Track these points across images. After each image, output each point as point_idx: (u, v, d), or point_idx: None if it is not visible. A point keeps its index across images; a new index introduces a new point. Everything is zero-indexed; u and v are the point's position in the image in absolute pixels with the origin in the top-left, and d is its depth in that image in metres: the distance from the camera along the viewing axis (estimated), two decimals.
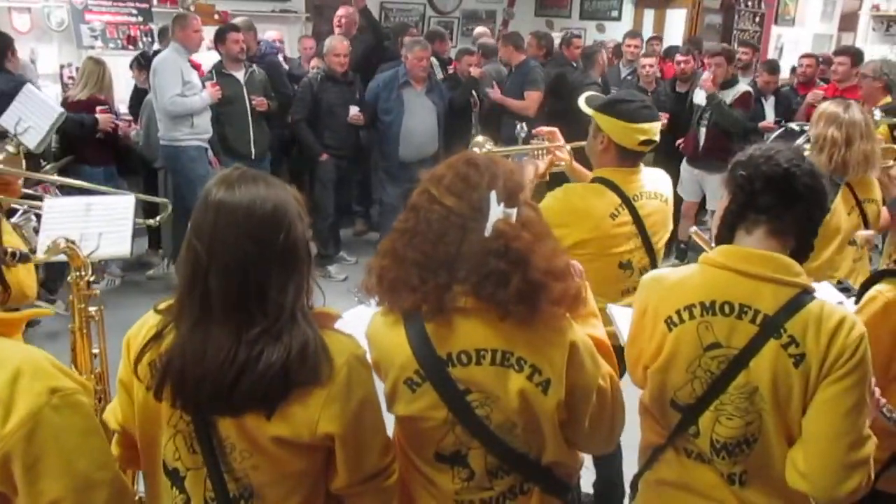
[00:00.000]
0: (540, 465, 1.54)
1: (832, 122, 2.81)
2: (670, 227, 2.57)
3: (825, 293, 2.10)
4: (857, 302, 1.94)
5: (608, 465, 2.67)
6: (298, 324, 1.31)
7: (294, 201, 1.36)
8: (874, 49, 7.41)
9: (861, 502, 1.73)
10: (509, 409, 1.44)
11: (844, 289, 2.20)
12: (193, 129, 5.04)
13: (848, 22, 9.47)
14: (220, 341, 1.28)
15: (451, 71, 6.47)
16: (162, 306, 1.40)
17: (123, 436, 1.48)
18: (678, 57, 6.19)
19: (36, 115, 3.52)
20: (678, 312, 1.60)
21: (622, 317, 2.00)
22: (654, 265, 2.47)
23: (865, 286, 1.93)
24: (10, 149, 2.30)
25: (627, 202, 2.39)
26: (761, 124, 5.85)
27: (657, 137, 2.40)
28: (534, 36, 6.46)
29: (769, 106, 6.03)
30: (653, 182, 2.49)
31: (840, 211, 2.84)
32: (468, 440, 1.48)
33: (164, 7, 7.25)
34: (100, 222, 2.15)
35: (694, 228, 2.37)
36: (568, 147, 2.74)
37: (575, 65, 6.57)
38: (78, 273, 1.81)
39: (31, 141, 3.03)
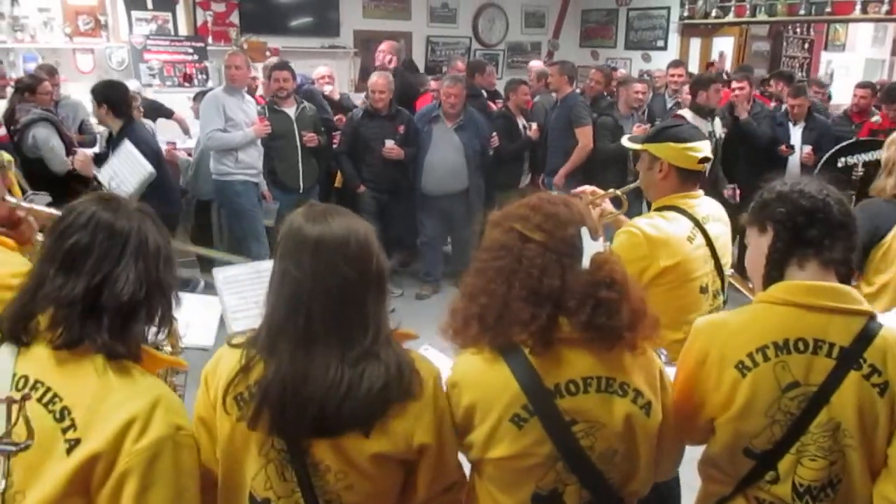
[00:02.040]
0: (621, 499, 1.54)
1: None
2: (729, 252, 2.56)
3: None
4: None
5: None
6: (390, 343, 1.42)
7: (373, 231, 1.46)
8: None
9: None
10: (613, 435, 1.47)
11: None
12: (238, 163, 5.19)
13: None
14: (326, 362, 1.35)
15: (500, 106, 6.52)
16: (236, 340, 1.46)
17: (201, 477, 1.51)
18: (734, 84, 6.12)
19: (129, 171, 3.69)
20: (750, 356, 1.55)
21: None
22: (722, 288, 2.47)
23: None
24: None
25: (699, 225, 2.39)
26: (780, 148, 5.73)
27: (711, 155, 2.46)
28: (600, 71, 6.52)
29: (796, 131, 5.80)
30: (711, 206, 2.51)
31: None
32: (567, 476, 1.48)
33: (219, 45, 7.52)
34: (189, 313, 2.23)
35: (731, 271, 2.37)
36: (619, 192, 2.70)
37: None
38: (173, 349, 1.88)
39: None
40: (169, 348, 1.85)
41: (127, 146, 3.67)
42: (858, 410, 1.50)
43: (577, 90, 6.50)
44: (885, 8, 7.76)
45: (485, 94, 6.73)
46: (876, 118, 5.73)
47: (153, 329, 1.42)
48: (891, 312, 2.11)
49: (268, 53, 7.50)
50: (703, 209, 2.45)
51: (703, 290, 2.43)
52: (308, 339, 1.36)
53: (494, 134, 5.93)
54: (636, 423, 1.47)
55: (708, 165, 2.51)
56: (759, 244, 1.65)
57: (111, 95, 4.55)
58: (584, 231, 1.45)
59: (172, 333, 1.85)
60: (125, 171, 3.78)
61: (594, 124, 5.94)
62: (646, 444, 1.50)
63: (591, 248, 1.45)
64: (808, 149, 5.64)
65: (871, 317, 1.55)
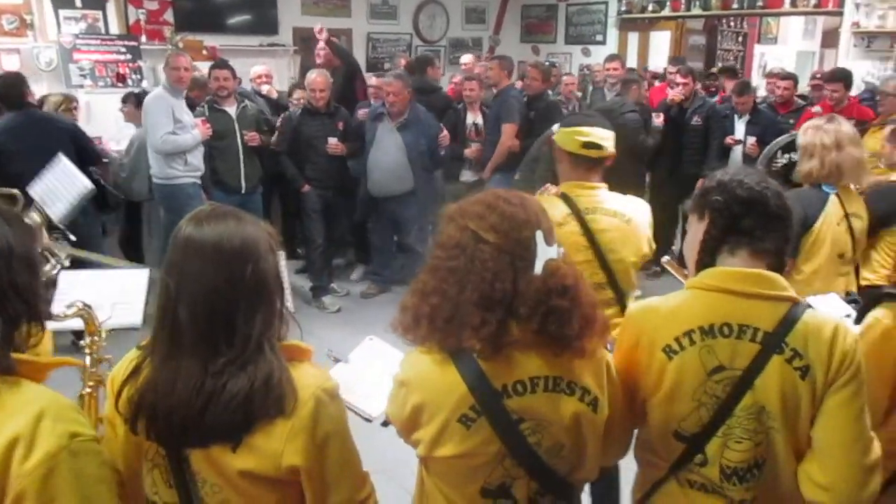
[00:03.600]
0: (570, 485, 1.58)
1: (820, 130, 2.87)
2: (640, 249, 2.50)
3: (832, 302, 2.12)
4: (857, 322, 1.92)
5: (605, 491, 2.64)
6: (265, 355, 1.33)
7: (266, 236, 1.39)
8: (856, 65, 7.46)
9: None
10: (561, 431, 1.49)
11: (852, 300, 2.21)
12: (187, 166, 5.08)
13: (830, 39, 9.61)
14: (190, 373, 1.31)
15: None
16: (143, 343, 1.43)
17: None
18: (678, 79, 6.24)
19: (65, 187, 3.54)
20: (677, 340, 1.58)
21: None
22: (613, 284, 2.45)
23: (863, 310, 1.92)
24: (36, 217, 2.32)
25: (577, 214, 2.41)
26: (727, 139, 6.04)
27: (605, 144, 2.44)
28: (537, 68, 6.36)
29: (741, 124, 6.08)
30: (617, 202, 2.49)
31: (830, 222, 2.85)
32: (515, 471, 1.49)
33: (153, 44, 7.32)
34: (113, 293, 2.19)
35: (666, 258, 2.38)
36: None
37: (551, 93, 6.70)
38: (91, 338, 1.83)
39: (56, 213, 3.06)
40: (88, 339, 1.81)
41: (63, 161, 3.52)
42: (781, 394, 1.52)
43: (517, 85, 6.55)
44: (813, 1, 8.03)
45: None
46: (816, 108, 5.87)
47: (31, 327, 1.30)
48: (826, 296, 2.17)
49: (205, 52, 7.35)
50: (591, 200, 2.46)
51: None
52: (177, 346, 1.33)
53: (444, 132, 5.75)
54: (584, 420, 1.49)
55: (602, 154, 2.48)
56: (697, 231, 1.68)
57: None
58: (539, 234, 1.43)
59: (90, 321, 1.79)
60: (60, 187, 3.64)
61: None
62: (593, 437, 1.53)
63: (546, 252, 1.43)
64: (752, 140, 5.84)
65: (795, 303, 1.58)
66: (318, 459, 1.36)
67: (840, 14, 7.84)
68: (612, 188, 2.52)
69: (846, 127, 2.91)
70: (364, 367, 1.89)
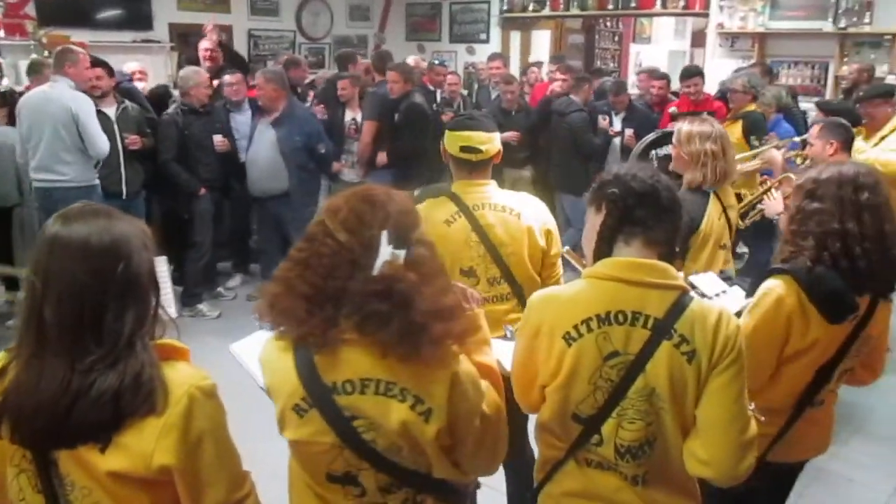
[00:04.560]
0: (432, 479, 1.56)
1: (707, 139, 2.96)
2: (534, 242, 2.53)
3: (709, 281, 2.29)
4: (748, 296, 2.10)
5: (518, 474, 2.68)
6: (136, 353, 1.31)
7: (140, 233, 1.37)
8: (722, 63, 7.93)
9: (753, 474, 1.85)
10: (392, 435, 1.47)
11: (727, 278, 2.41)
12: (96, 169, 4.94)
13: (699, 39, 10.12)
14: (55, 372, 1.28)
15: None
16: (13, 345, 1.37)
17: None
18: (559, 75, 6.42)
19: None
20: (576, 327, 1.64)
21: (498, 348, 2.01)
22: (508, 278, 2.50)
23: (756, 283, 2.10)
24: None
25: (465, 210, 2.47)
26: (602, 124, 6.26)
27: (484, 147, 2.49)
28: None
29: (618, 121, 6.39)
30: (505, 197, 2.54)
31: (713, 220, 3.02)
32: (357, 462, 1.51)
33: (14, 39, 6.85)
34: None
35: (566, 248, 2.45)
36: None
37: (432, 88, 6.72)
38: None
39: None
40: None
41: None
42: (670, 376, 1.60)
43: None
44: (682, 3, 8.46)
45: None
46: (672, 109, 6.19)
47: None
48: (704, 274, 2.32)
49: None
50: (479, 197, 2.51)
51: (467, 272, 2.49)
52: (41, 346, 1.30)
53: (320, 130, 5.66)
54: (413, 428, 1.46)
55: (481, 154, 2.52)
56: (595, 222, 1.75)
57: None
58: (384, 235, 1.42)
59: None
60: None
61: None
62: (429, 446, 1.49)
63: (386, 254, 1.41)
64: (630, 131, 6.19)
65: (684, 291, 1.67)
66: (192, 459, 1.34)
67: (706, 15, 8.30)
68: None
69: (720, 127, 3.08)
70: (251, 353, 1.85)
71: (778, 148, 4.37)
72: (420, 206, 2.50)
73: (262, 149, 5.43)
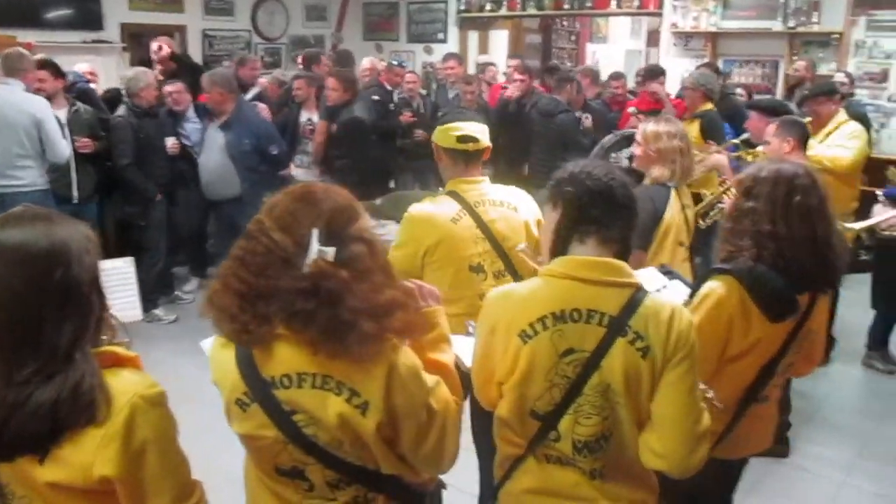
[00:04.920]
0: (382, 476, 1.56)
1: (674, 136, 3.04)
2: (531, 234, 2.59)
3: (650, 276, 2.29)
4: (691, 297, 2.10)
5: (490, 475, 2.65)
6: (75, 364, 1.26)
7: (82, 238, 1.33)
8: (676, 62, 8.06)
9: (702, 471, 1.88)
10: (332, 429, 1.47)
11: (667, 272, 2.40)
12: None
13: (654, 38, 10.26)
14: None
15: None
16: None
17: None
18: (517, 75, 6.43)
19: None
20: (531, 325, 1.65)
21: (460, 345, 2.02)
22: (511, 270, 2.56)
23: (699, 283, 2.11)
24: None
25: (468, 208, 2.54)
26: (586, 124, 6.22)
27: (480, 137, 2.57)
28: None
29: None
30: (500, 193, 2.63)
31: (674, 214, 3.07)
32: (303, 457, 1.51)
33: None
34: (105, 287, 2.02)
35: (522, 245, 2.46)
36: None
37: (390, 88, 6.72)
38: None
39: None
40: None
41: None
42: (625, 372, 1.63)
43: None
44: (636, 3, 8.57)
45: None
46: (632, 108, 6.25)
47: None
48: (646, 270, 2.34)
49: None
50: (478, 194, 2.58)
51: (475, 269, 2.56)
52: None
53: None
54: (351, 421, 1.45)
55: (477, 147, 2.59)
56: (550, 220, 1.77)
57: None
58: (315, 233, 1.41)
59: None
60: None
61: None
62: (373, 440, 1.48)
63: (315, 252, 1.40)
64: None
65: (638, 288, 1.69)
66: (134, 469, 1.30)
67: (660, 15, 8.43)
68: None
69: (682, 125, 3.16)
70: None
71: (719, 152, 4.44)
72: (418, 208, 2.57)
73: (212, 153, 5.36)
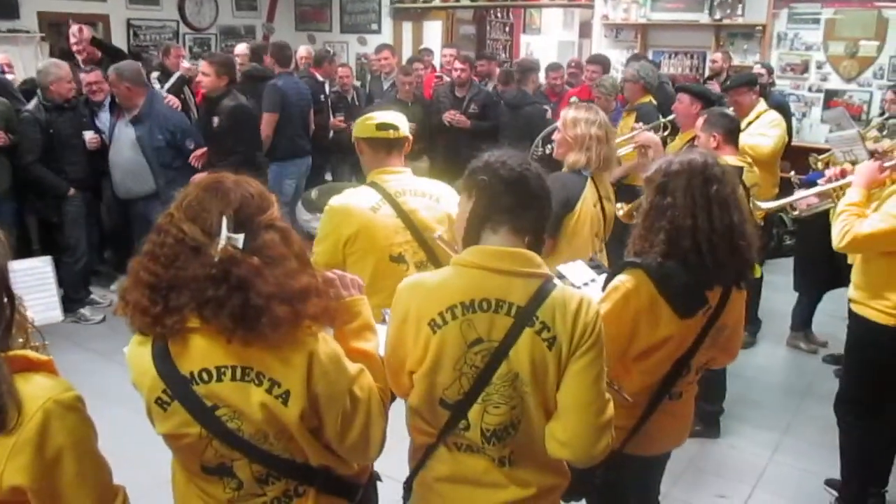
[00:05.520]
0: (311, 468, 1.56)
1: (592, 124, 3.04)
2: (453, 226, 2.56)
3: (578, 270, 2.30)
4: (603, 289, 2.10)
5: None
6: None
7: None
8: (607, 53, 8.15)
9: (612, 468, 1.89)
10: (256, 420, 1.45)
11: (596, 266, 2.41)
12: None
13: (586, 29, 10.38)
14: None
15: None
16: None
17: None
18: (456, 64, 6.42)
19: None
20: (441, 314, 1.65)
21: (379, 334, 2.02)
22: (434, 261, 2.54)
23: (610, 276, 2.11)
24: None
25: (388, 197, 2.52)
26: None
27: (399, 125, 2.57)
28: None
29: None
30: (424, 184, 2.63)
31: (588, 204, 3.06)
32: (229, 452, 1.50)
33: None
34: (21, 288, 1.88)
35: (438, 234, 2.44)
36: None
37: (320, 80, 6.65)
38: None
39: None
40: None
41: None
42: (531, 362, 1.64)
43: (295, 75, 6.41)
44: None
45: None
46: (573, 98, 6.30)
47: None
48: (573, 262, 2.35)
49: None
50: (399, 184, 2.57)
51: (396, 259, 2.54)
52: None
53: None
54: (274, 412, 1.44)
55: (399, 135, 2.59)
56: (465, 209, 1.76)
57: None
58: (225, 220, 1.39)
59: None
60: None
61: None
62: (296, 430, 1.48)
63: (224, 239, 1.38)
64: None
65: (547, 279, 1.70)
66: (48, 477, 1.25)
67: (591, 7, 8.54)
68: None
69: (603, 115, 3.15)
70: None
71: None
72: (339, 199, 2.56)
73: (122, 149, 5.15)
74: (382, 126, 2.53)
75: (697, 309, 2.02)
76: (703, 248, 1.97)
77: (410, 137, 2.63)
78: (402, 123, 2.58)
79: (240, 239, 1.39)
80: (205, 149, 5.21)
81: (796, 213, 3.37)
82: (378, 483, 1.98)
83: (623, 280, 2.03)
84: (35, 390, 1.26)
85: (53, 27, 7.64)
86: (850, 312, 2.93)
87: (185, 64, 6.24)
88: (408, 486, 1.89)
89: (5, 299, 1.27)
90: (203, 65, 5.26)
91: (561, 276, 2.11)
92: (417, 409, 1.76)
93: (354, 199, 2.53)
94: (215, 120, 5.14)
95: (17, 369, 1.26)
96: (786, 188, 4.78)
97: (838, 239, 2.68)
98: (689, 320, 2.02)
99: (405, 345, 1.71)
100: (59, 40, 7.38)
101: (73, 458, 1.28)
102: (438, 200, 2.60)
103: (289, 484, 1.56)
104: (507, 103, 6.20)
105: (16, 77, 5.96)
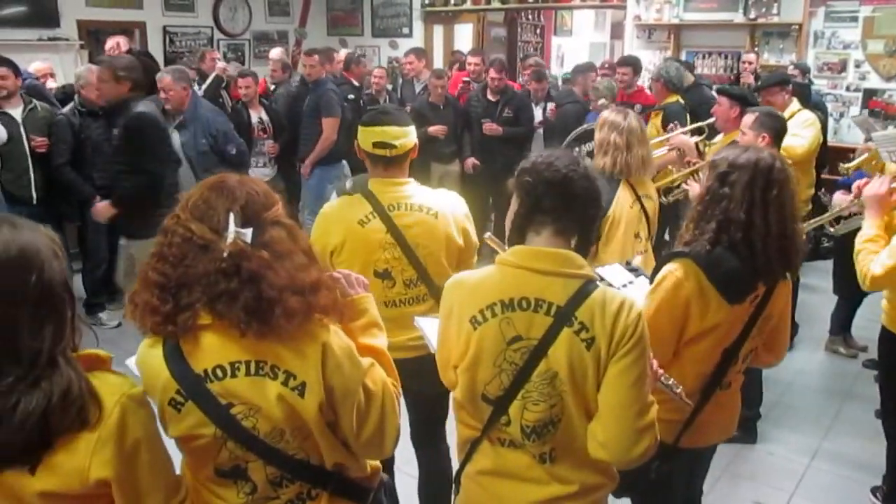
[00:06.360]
0: (325, 471, 1.57)
1: (614, 129, 3.10)
2: (451, 241, 2.49)
3: (616, 272, 2.30)
4: (651, 282, 2.11)
5: (431, 463, 2.63)
6: (60, 368, 1.24)
7: (48, 241, 1.30)
8: (639, 55, 8.09)
9: (665, 459, 1.93)
10: (273, 416, 1.46)
11: (633, 269, 2.40)
12: None
13: (618, 31, 10.34)
14: None
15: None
16: None
17: None
18: (492, 73, 6.34)
19: None
20: (481, 311, 1.69)
21: (428, 326, 2.10)
22: (425, 279, 2.46)
23: (658, 267, 2.12)
24: None
25: (381, 211, 2.41)
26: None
27: (396, 142, 2.40)
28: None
29: (538, 111, 6.49)
30: (424, 196, 2.48)
31: (623, 202, 3.07)
32: (243, 454, 1.51)
33: None
34: None
35: (488, 234, 2.43)
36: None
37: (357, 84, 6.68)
38: None
39: None
40: None
41: None
42: (569, 362, 1.65)
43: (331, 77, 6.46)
44: None
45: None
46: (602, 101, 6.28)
47: None
48: (611, 266, 2.35)
49: None
50: (395, 196, 2.45)
51: (381, 275, 2.43)
52: None
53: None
54: (293, 404, 1.46)
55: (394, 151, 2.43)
56: (512, 210, 1.79)
57: None
58: (232, 216, 1.41)
59: None
60: None
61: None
62: (313, 424, 1.49)
63: (234, 234, 1.40)
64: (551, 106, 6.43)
65: (589, 280, 1.70)
66: (129, 469, 1.31)
67: (624, 8, 8.48)
68: None
69: (635, 124, 3.15)
70: None
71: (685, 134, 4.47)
72: (331, 206, 2.52)
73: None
74: (379, 145, 2.40)
75: (746, 294, 2.02)
76: (757, 246, 1.96)
77: (415, 146, 2.49)
78: (401, 139, 2.41)
79: (248, 233, 1.41)
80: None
81: (833, 230, 3.33)
82: (394, 479, 1.98)
83: (671, 269, 2.04)
84: (109, 387, 1.32)
85: (92, 35, 7.79)
86: (882, 328, 2.91)
87: (220, 64, 6.31)
88: (456, 481, 1.91)
89: (69, 299, 1.31)
90: (98, 70, 4.59)
91: (600, 279, 2.11)
92: (462, 403, 1.80)
93: (344, 210, 2.45)
94: (114, 132, 4.37)
95: (87, 368, 1.32)
96: (821, 189, 4.72)
97: (861, 282, 2.60)
98: (738, 308, 2.02)
99: (450, 339, 1.76)
100: (97, 48, 7.53)
101: (148, 450, 1.35)
102: (437, 216, 2.45)
103: (302, 487, 1.57)
104: (553, 100, 6.36)
105: (56, 86, 6.08)
